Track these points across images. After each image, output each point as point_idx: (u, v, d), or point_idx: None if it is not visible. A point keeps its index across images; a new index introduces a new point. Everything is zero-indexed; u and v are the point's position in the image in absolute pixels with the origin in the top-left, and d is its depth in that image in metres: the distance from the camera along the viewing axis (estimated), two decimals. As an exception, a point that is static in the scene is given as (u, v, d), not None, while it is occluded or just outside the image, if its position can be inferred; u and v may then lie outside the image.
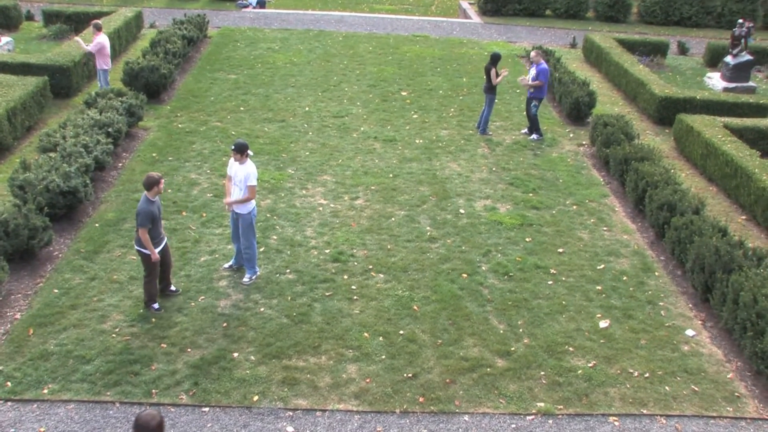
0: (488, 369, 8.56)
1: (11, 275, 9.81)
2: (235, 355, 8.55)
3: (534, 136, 15.90)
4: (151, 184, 8.80)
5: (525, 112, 16.43)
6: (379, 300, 9.76)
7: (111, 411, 7.62)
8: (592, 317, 9.69)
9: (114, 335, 8.75)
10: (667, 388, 8.47)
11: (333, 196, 12.61)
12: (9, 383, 7.90)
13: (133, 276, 9.95)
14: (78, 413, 7.57)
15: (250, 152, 9.57)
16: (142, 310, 9.21)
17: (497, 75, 15.53)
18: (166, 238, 9.42)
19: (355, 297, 9.79)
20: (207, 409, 7.73)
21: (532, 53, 15.86)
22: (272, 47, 22.18)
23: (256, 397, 7.91)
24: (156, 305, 9.30)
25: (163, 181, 8.92)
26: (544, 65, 15.57)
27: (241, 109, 16.65)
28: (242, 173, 9.50)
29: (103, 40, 16.02)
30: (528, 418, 7.90)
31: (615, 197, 13.37)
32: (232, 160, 9.66)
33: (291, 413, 7.72)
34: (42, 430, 7.34)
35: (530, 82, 15.60)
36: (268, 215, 11.81)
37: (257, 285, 9.94)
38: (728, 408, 8.24)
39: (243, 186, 9.51)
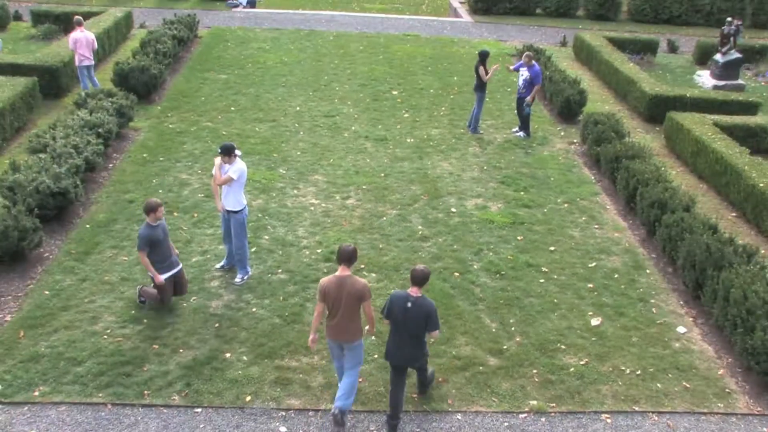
0: (481, 367, 8.57)
1: (1, 277, 9.75)
2: (228, 355, 8.53)
3: (521, 133, 15.93)
4: (148, 210, 8.76)
5: (516, 111, 16.45)
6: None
7: (103, 413, 7.59)
8: (584, 315, 9.72)
9: (105, 337, 8.72)
10: (658, 385, 8.51)
11: (324, 196, 12.60)
12: None
13: (125, 277, 9.91)
14: (69, 415, 7.54)
15: (238, 152, 9.50)
16: (134, 311, 9.18)
17: (486, 72, 15.55)
18: (180, 265, 9.24)
19: (347, 296, 9.76)
20: (199, 409, 7.72)
21: (524, 57, 15.74)
22: (263, 47, 22.13)
23: (248, 398, 7.89)
24: (145, 302, 9.29)
25: (162, 208, 8.82)
26: (537, 67, 15.59)
27: (232, 109, 16.61)
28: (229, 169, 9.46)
29: (77, 35, 15.90)
30: (521, 416, 7.92)
31: (606, 195, 13.41)
32: (218, 162, 9.59)
33: (284, 413, 7.71)
34: (33, 432, 7.32)
35: (529, 94, 15.52)
36: (259, 215, 11.78)
37: (249, 285, 9.92)
38: (719, 404, 8.28)
39: (232, 184, 9.46)
